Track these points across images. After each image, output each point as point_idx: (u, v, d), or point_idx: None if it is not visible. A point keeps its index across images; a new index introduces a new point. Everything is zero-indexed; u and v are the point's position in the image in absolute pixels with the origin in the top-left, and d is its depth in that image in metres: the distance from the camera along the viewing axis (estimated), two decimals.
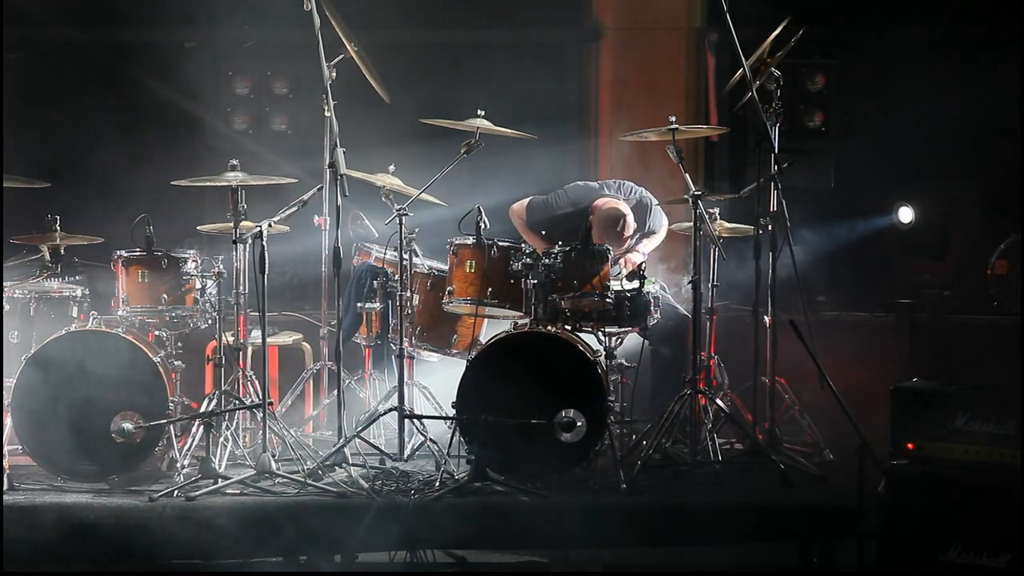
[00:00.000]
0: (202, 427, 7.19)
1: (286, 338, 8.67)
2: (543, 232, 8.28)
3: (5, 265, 7.84)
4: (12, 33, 9.38)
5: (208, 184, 7.58)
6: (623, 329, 7.60)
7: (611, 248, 7.73)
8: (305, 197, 7.47)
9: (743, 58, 7.57)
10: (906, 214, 9.90)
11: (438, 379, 7.97)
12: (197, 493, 6.89)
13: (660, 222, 8.42)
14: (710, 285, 7.86)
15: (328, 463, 7.22)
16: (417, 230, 7.66)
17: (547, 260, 7.39)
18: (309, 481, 7.04)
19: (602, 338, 7.59)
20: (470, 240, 7.54)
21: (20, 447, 7.28)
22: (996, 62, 9.80)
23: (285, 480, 7.05)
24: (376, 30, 9.26)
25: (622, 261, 8.05)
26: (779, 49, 7.90)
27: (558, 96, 10.10)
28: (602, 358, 7.49)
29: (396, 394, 7.58)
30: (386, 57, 8.93)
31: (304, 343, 8.75)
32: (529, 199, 8.43)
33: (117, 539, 6.76)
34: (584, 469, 7.25)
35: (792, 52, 8.00)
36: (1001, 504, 6.35)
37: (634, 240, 8.25)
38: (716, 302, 7.95)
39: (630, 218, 8.10)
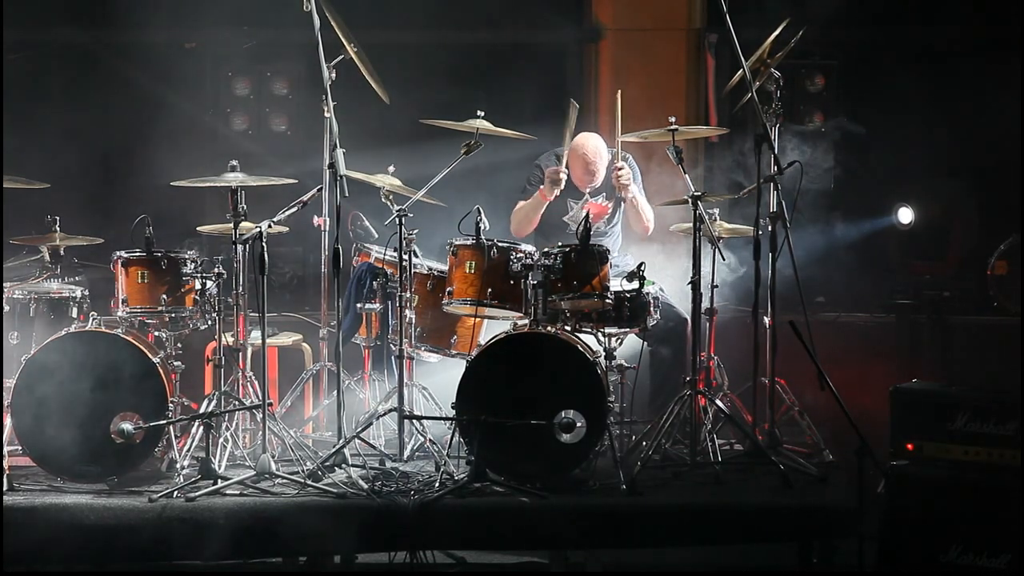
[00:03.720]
0: (202, 428, 7.19)
1: (286, 339, 8.67)
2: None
3: (5, 266, 7.84)
4: (12, 33, 9.38)
5: (208, 185, 7.57)
6: (623, 330, 7.60)
7: (590, 183, 8.15)
8: (305, 198, 7.47)
9: (743, 59, 7.57)
10: (906, 215, 9.90)
11: (438, 380, 7.96)
12: (197, 494, 6.89)
13: (636, 169, 8.47)
14: (710, 286, 7.87)
15: (328, 464, 7.22)
16: (417, 231, 7.66)
17: (547, 261, 7.40)
18: (309, 482, 7.03)
19: (602, 339, 7.60)
20: (470, 241, 7.54)
21: (20, 448, 7.28)
22: (996, 62, 9.80)
23: (285, 481, 7.05)
24: (376, 31, 9.26)
25: (618, 189, 8.24)
26: (779, 50, 7.90)
27: (558, 97, 10.09)
28: (602, 359, 7.49)
29: (396, 395, 7.58)
30: (386, 58, 8.93)
31: (304, 344, 8.75)
32: (519, 201, 8.46)
33: (117, 540, 6.76)
34: (584, 470, 7.24)
35: (792, 53, 8.00)
36: (1001, 505, 6.35)
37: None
38: (716, 302, 7.97)
39: (599, 143, 8.30)
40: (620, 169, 8.22)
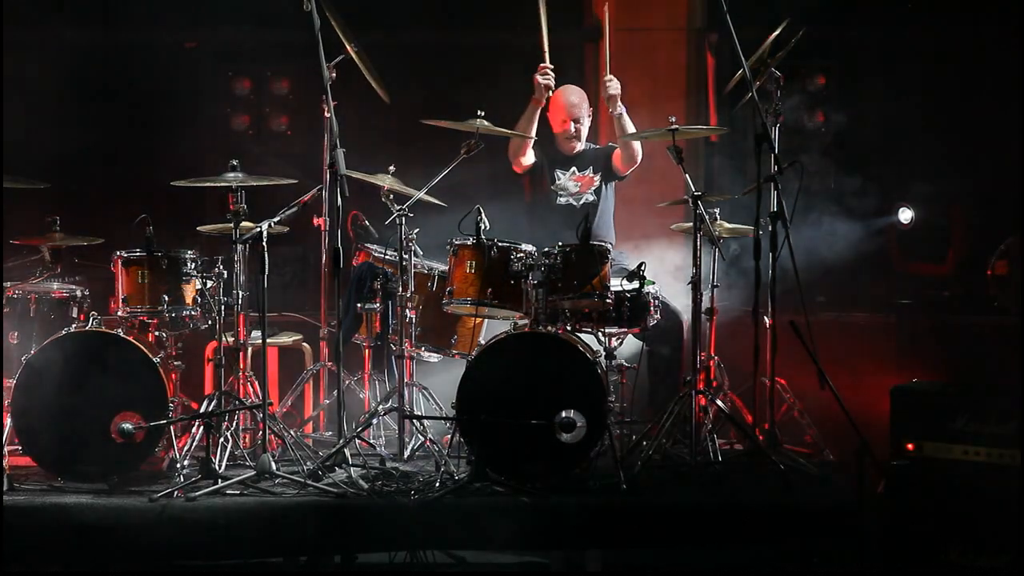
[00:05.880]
0: (202, 427, 7.20)
1: (286, 338, 8.67)
2: None
3: (5, 266, 7.84)
4: (12, 33, 9.37)
5: (208, 185, 7.57)
6: (623, 330, 7.60)
7: (571, 121, 8.35)
8: (305, 198, 7.47)
9: (743, 59, 7.57)
10: (906, 214, 9.89)
11: (438, 379, 7.98)
12: (197, 494, 6.89)
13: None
14: (711, 285, 7.87)
15: (328, 464, 7.23)
16: (417, 230, 7.66)
17: (547, 260, 7.40)
18: (309, 482, 7.04)
19: (602, 339, 7.60)
20: (470, 240, 7.54)
21: (20, 447, 7.28)
22: (996, 62, 9.79)
23: (285, 481, 7.05)
24: (376, 30, 9.26)
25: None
26: (779, 50, 7.90)
27: None
28: (602, 359, 7.49)
29: (396, 395, 7.58)
30: (386, 58, 8.92)
31: (304, 344, 8.75)
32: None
33: (117, 540, 6.76)
34: (584, 469, 7.25)
35: (792, 53, 8.00)
36: (1001, 504, 6.36)
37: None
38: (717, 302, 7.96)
39: (579, 91, 8.54)
40: (609, 81, 8.39)
